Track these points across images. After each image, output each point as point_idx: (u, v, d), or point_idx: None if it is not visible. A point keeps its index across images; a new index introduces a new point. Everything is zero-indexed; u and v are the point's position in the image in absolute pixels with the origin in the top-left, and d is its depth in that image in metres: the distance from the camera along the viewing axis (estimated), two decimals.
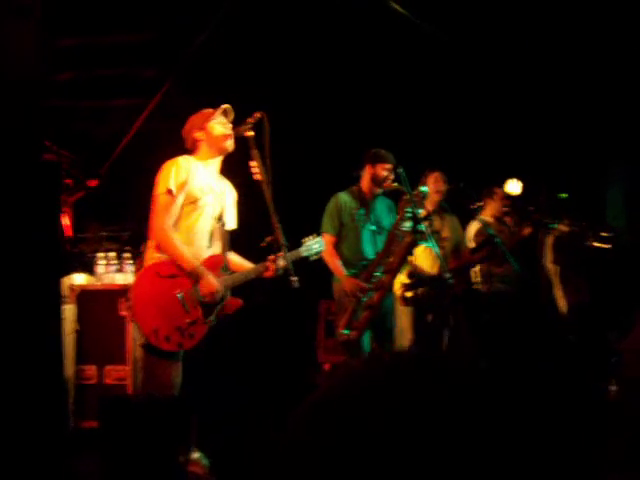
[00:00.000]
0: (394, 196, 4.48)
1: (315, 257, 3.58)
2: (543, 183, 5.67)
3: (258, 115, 3.39)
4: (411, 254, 4.16)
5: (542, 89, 5.78)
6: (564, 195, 5.40)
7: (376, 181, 4.34)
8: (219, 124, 3.41)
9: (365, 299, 4.09)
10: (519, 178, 5.51)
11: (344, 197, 4.38)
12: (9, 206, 2.33)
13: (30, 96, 2.40)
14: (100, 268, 4.56)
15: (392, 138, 5.15)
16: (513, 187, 5.37)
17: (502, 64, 5.51)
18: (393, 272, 4.14)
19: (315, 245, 3.55)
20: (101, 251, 4.67)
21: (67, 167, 5.07)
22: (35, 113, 2.43)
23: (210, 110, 3.47)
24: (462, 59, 5.48)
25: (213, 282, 3.23)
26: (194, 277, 3.22)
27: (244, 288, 3.45)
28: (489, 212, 5.30)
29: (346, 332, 4.01)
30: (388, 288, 4.19)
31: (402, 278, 4.48)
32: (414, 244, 4.08)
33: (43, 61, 2.56)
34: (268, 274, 3.35)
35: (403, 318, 4.70)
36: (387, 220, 4.43)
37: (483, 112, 5.97)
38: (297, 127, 5.35)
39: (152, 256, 3.28)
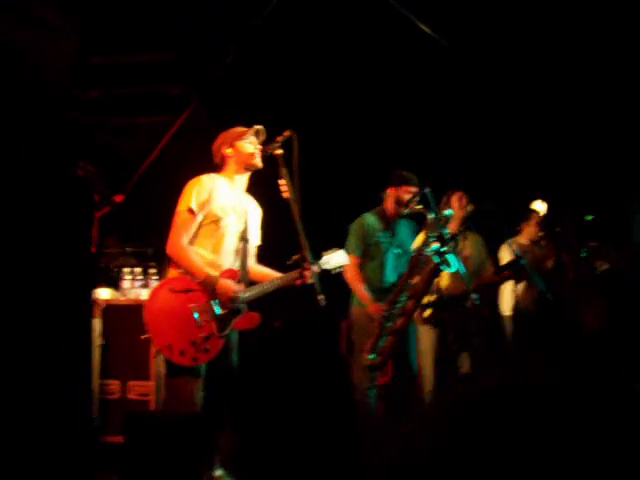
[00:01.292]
0: (418, 219, 4.46)
1: (337, 270, 3.57)
2: (568, 205, 5.64)
3: (287, 134, 3.41)
4: (434, 280, 4.13)
5: (568, 111, 5.76)
6: (590, 217, 5.36)
7: (400, 203, 4.32)
8: (249, 144, 3.45)
9: (389, 324, 4.05)
10: (544, 199, 5.48)
11: (370, 218, 4.36)
12: (45, 219, 2.36)
13: (65, 113, 2.43)
14: (126, 283, 4.58)
15: (418, 156, 5.15)
16: (539, 208, 5.35)
17: (528, 87, 5.50)
18: (417, 297, 4.10)
19: (337, 258, 3.54)
20: (127, 266, 4.70)
21: (93, 182, 5.13)
22: (70, 130, 2.46)
23: (243, 129, 3.50)
24: (488, 80, 5.48)
25: (229, 285, 3.26)
26: (208, 287, 3.24)
27: (263, 308, 3.46)
28: (525, 236, 5.29)
29: (371, 357, 3.97)
30: (412, 314, 4.15)
31: (425, 298, 4.44)
32: (437, 270, 4.04)
33: (78, 80, 2.60)
34: (299, 282, 3.34)
35: (425, 340, 4.65)
36: (410, 243, 4.41)
37: (508, 133, 5.96)
38: (325, 146, 5.37)
39: (171, 273, 3.32)
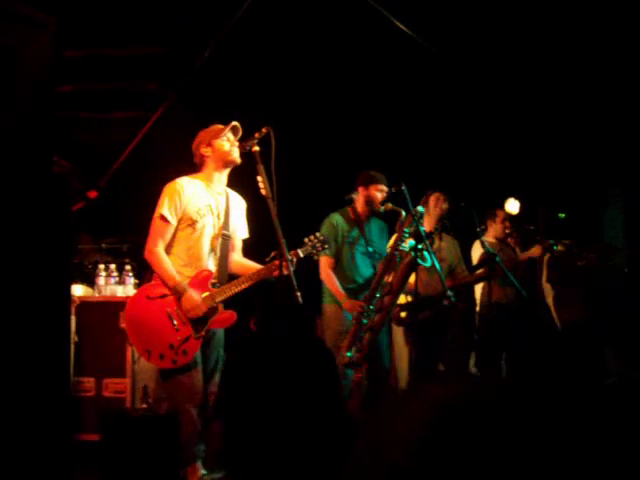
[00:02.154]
0: (386, 218, 4.49)
1: (315, 254, 3.59)
2: (541, 202, 5.72)
3: (264, 130, 3.41)
4: (410, 274, 4.17)
5: (541, 109, 5.83)
6: (562, 215, 5.45)
7: (370, 203, 4.35)
8: (226, 141, 3.45)
9: (367, 321, 4.08)
10: (517, 197, 5.55)
11: (338, 218, 4.35)
12: (21, 216, 2.33)
13: (43, 108, 2.41)
14: (101, 280, 4.54)
15: (394, 155, 5.19)
16: (512, 206, 5.41)
17: (503, 84, 5.56)
18: (394, 293, 4.15)
19: (319, 244, 3.55)
20: (102, 263, 4.66)
21: (68, 178, 5.06)
22: (47, 125, 2.44)
23: (219, 127, 3.51)
24: (463, 80, 5.53)
25: (193, 298, 3.29)
26: (177, 294, 3.29)
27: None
28: (491, 234, 5.34)
29: (349, 355, 4.01)
30: (390, 310, 4.19)
31: (402, 299, 4.48)
32: (414, 264, 4.08)
33: (55, 73, 2.57)
34: (276, 273, 3.35)
35: (399, 342, 4.69)
36: (380, 242, 4.46)
37: (482, 132, 6.02)
38: (301, 142, 5.37)
39: (154, 279, 3.39)
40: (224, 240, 3.48)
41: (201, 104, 5.42)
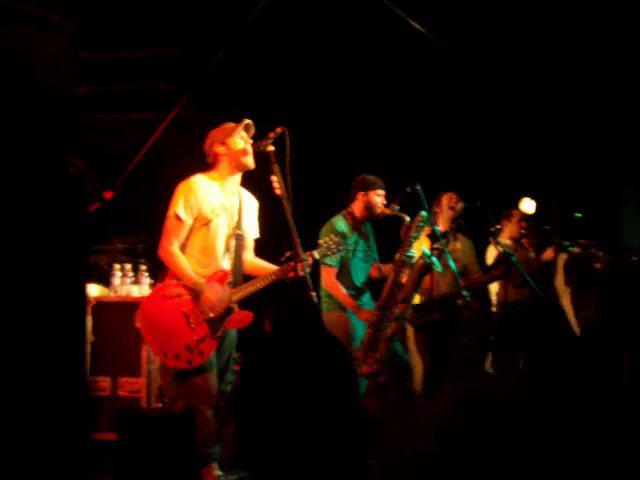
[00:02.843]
0: (377, 223, 4.48)
1: (331, 255, 3.57)
2: (557, 202, 5.68)
3: (279, 130, 3.40)
4: (422, 280, 4.15)
5: (557, 108, 5.80)
6: (579, 214, 5.40)
7: (370, 208, 4.32)
8: (240, 139, 3.45)
9: (384, 330, 4.05)
10: (532, 197, 5.52)
11: (340, 224, 4.28)
12: (37, 217, 2.35)
13: (61, 110, 2.43)
14: (116, 280, 4.57)
15: (408, 155, 5.17)
16: (527, 206, 5.37)
17: (518, 82, 5.54)
18: (408, 299, 4.12)
19: (333, 246, 3.54)
20: (117, 263, 4.68)
21: (84, 179, 5.09)
22: (66, 127, 2.46)
23: (232, 125, 3.50)
24: (478, 79, 5.51)
25: (211, 297, 3.26)
26: (195, 293, 3.29)
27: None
28: (507, 234, 5.31)
29: (365, 366, 3.98)
30: (405, 317, 4.16)
31: (416, 299, 4.45)
32: (426, 269, 4.06)
33: (70, 76, 2.59)
34: (292, 274, 3.35)
35: (412, 340, 4.66)
36: (373, 246, 4.45)
37: (497, 132, 5.99)
38: (315, 141, 5.37)
39: (167, 279, 3.37)
40: (238, 240, 3.48)
41: (215, 105, 5.44)
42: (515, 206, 5.42)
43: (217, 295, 3.32)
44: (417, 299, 4.43)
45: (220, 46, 5.20)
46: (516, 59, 5.42)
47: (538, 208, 5.46)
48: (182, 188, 3.40)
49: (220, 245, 3.43)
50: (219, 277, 3.38)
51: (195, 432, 3.26)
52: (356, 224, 4.35)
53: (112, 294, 4.57)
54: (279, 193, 3.36)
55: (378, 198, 4.31)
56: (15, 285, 2.31)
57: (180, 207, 3.34)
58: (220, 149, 3.47)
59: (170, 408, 4.16)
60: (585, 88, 5.63)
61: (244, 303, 3.46)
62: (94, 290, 4.56)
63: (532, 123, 5.95)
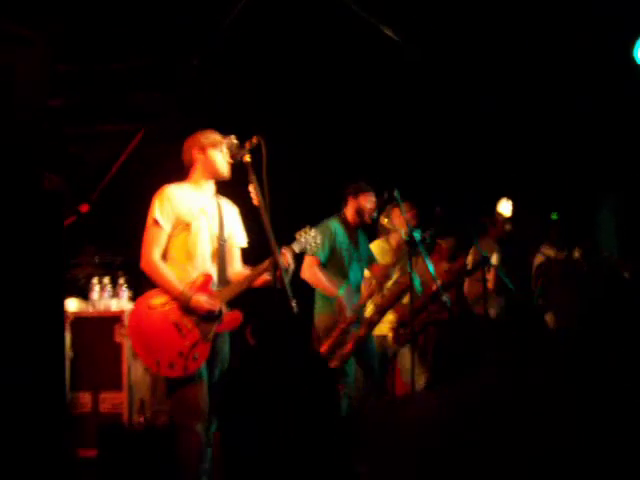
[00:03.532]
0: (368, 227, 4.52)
1: (313, 250, 3.57)
2: (533, 204, 5.74)
3: (255, 140, 3.39)
4: (402, 298, 4.23)
5: (532, 112, 5.86)
6: (555, 215, 5.45)
7: (361, 213, 4.39)
8: (220, 153, 3.44)
9: (351, 331, 4.13)
10: (509, 198, 5.57)
11: (336, 226, 4.34)
12: (12, 232, 2.33)
13: (33, 124, 2.41)
14: (95, 294, 4.53)
15: (386, 161, 5.20)
16: (504, 208, 5.43)
17: (495, 88, 5.59)
18: (382, 311, 4.22)
19: (311, 238, 3.52)
20: (95, 277, 4.64)
21: (60, 193, 5.04)
22: (38, 141, 2.44)
23: (217, 137, 3.47)
24: (454, 85, 5.56)
25: (202, 301, 3.26)
26: (182, 303, 3.26)
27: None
28: (493, 236, 5.35)
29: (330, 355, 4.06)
30: (375, 325, 4.26)
31: (390, 318, 4.53)
32: (407, 290, 4.12)
33: (45, 90, 2.57)
34: (261, 280, 3.36)
35: (404, 357, 4.71)
36: (366, 250, 4.50)
37: (474, 135, 6.04)
38: (294, 151, 5.37)
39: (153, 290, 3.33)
40: (221, 246, 3.46)
41: (192, 116, 5.42)
42: (493, 208, 5.47)
43: (206, 298, 3.29)
44: (392, 317, 4.52)
45: (195, 56, 5.19)
46: (494, 66, 5.47)
47: (514, 210, 5.51)
48: (157, 196, 3.38)
49: (205, 250, 3.39)
50: (202, 283, 3.35)
51: (178, 447, 3.23)
52: (349, 229, 4.39)
53: (90, 308, 4.53)
54: (257, 203, 3.34)
55: (368, 203, 4.37)
56: None
57: (157, 212, 3.31)
58: (198, 155, 3.46)
59: (152, 422, 4.14)
60: (562, 93, 5.70)
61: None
62: (72, 305, 4.51)
63: (510, 128, 6.01)
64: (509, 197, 5.46)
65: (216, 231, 3.44)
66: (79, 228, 5.34)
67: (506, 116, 5.82)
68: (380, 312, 4.24)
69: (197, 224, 3.37)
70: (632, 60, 4.92)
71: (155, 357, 3.19)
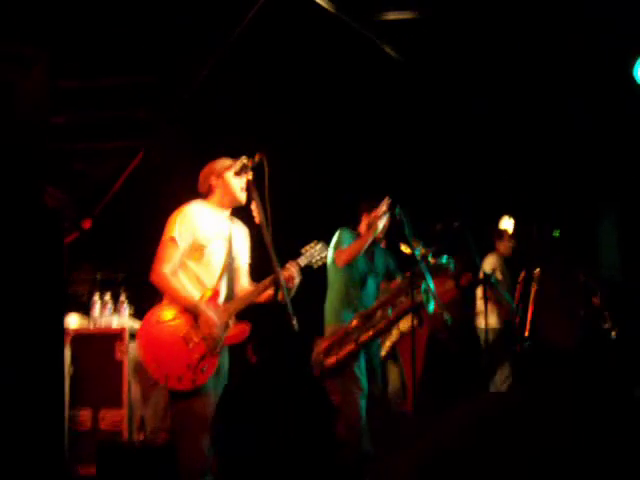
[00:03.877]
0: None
1: (319, 263, 3.58)
2: (535, 220, 5.73)
3: (257, 157, 3.41)
4: (409, 314, 4.22)
5: (533, 126, 5.88)
6: (557, 232, 5.45)
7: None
8: (235, 179, 3.45)
9: (356, 334, 4.13)
10: (511, 215, 5.57)
11: (347, 236, 4.36)
12: (13, 249, 2.33)
13: (35, 141, 2.42)
14: (96, 310, 4.52)
15: (387, 177, 5.20)
16: (506, 224, 5.42)
17: (495, 102, 5.61)
18: (389, 324, 4.22)
19: (316, 252, 3.54)
20: (96, 293, 4.64)
21: (61, 208, 5.06)
22: (39, 159, 2.44)
23: (229, 161, 3.50)
24: (455, 100, 5.58)
25: (211, 318, 3.28)
26: (194, 314, 3.28)
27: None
28: (500, 252, 5.35)
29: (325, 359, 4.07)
30: (381, 334, 4.26)
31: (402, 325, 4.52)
32: (418, 308, 4.12)
33: (46, 107, 2.59)
34: (265, 296, 3.37)
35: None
36: (381, 263, 4.48)
37: (476, 151, 6.06)
38: (296, 168, 5.39)
39: (162, 304, 3.35)
40: (228, 264, 3.49)
41: (194, 132, 5.45)
42: (495, 224, 5.47)
43: (216, 313, 3.31)
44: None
45: (200, 72, 5.22)
46: (494, 77, 5.49)
47: (516, 226, 5.51)
48: (176, 213, 3.41)
49: (216, 269, 3.43)
50: (210, 298, 3.38)
51: (180, 459, 3.22)
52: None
53: (92, 325, 4.52)
54: (259, 221, 3.36)
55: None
56: None
57: (175, 231, 3.34)
58: (216, 182, 3.49)
59: (152, 440, 4.12)
60: (563, 105, 5.71)
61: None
62: (73, 321, 4.50)
63: (510, 142, 6.02)
64: (510, 214, 5.45)
65: (225, 250, 3.48)
66: (81, 244, 5.36)
67: (505, 127, 5.83)
68: (387, 323, 4.22)
69: (212, 248, 3.41)
70: (632, 79, 4.92)
71: (164, 371, 3.21)
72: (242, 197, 3.47)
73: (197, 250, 3.37)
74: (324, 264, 3.67)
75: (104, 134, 5.68)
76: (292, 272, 3.36)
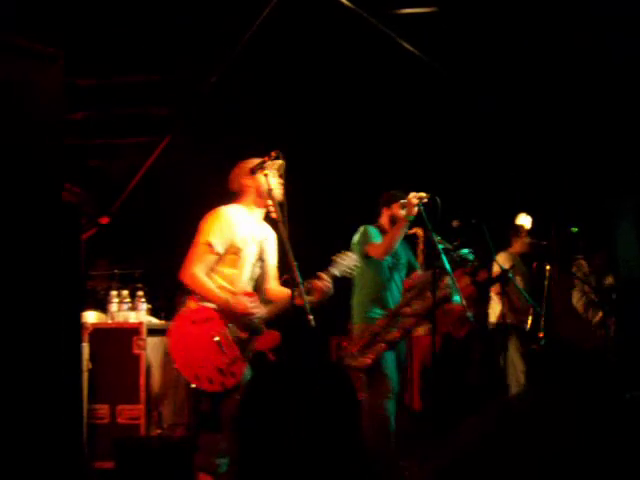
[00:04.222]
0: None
1: (349, 273, 3.56)
2: (553, 217, 5.68)
3: (274, 154, 3.40)
4: (437, 308, 4.17)
5: (552, 122, 5.83)
6: (575, 229, 5.39)
7: (396, 221, 4.36)
8: (269, 173, 3.41)
9: (385, 332, 4.11)
10: (528, 212, 5.52)
11: (373, 230, 4.31)
12: (32, 245, 2.35)
13: (53, 139, 2.43)
14: (113, 306, 4.55)
15: (404, 173, 5.18)
16: (524, 221, 5.38)
17: (512, 98, 5.57)
18: (418, 318, 4.17)
19: (346, 262, 3.53)
20: (114, 289, 4.66)
21: (79, 204, 5.09)
22: (57, 156, 2.46)
23: (258, 160, 3.46)
24: (474, 98, 5.54)
25: (243, 301, 3.30)
26: (225, 310, 3.29)
27: None
28: (516, 249, 5.31)
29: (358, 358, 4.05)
30: (409, 331, 4.21)
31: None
32: (445, 301, 4.08)
33: (64, 104, 2.61)
34: (297, 301, 3.35)
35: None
36: (404, 255, 4.44)
37: (492, 148, 6.02)
38: (310, 165, 5.39)
39: (189, 304, 3.37)
40: (259, 268, 3.50)
41: (211, 128, 5.46)
42: (512, 221, 5.42)
43: (249, 301, 3.32)
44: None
45: (214, 70, 5.23)
46: (510, 74, 5.45)
47: (534, 223, 5.46)
48: (214, 217, 3.39)
49: (248, 272, 3.44)
50: (246, 294, 3.39)
51: (198, 458, 3.24)
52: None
53: (109, 320, 4.55)
54: (276, 217, 3.36)
55: (402, 210, 4.31)
56: (9, 313, 2.30)
57: (213, 236, 3.33)
58: (248, 182, 3.47)
59: (169, 435, 4.14)
60: (582, 101, 5.65)
61: None
62: (91, 316, 4.54)
63: (529, 138, 5.98)
64: (528, 212, 5.40)
65: (258, 256, 3.48)
66: (99, 240, 5.39)
67: (524, 124, 5.78)
68: (415, 318, 4.18)
69: (247, 251, 3.41)
70: None
71: (194, 372, 3.23)
72: (278, 192, 3.40)
73: (233, 252, 3.37)
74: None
75: (122, 130, 5.72)
76: (327, 283, 3.33)
